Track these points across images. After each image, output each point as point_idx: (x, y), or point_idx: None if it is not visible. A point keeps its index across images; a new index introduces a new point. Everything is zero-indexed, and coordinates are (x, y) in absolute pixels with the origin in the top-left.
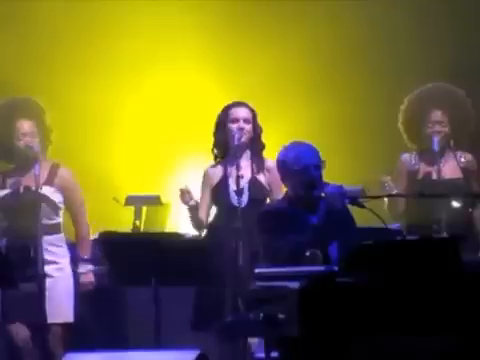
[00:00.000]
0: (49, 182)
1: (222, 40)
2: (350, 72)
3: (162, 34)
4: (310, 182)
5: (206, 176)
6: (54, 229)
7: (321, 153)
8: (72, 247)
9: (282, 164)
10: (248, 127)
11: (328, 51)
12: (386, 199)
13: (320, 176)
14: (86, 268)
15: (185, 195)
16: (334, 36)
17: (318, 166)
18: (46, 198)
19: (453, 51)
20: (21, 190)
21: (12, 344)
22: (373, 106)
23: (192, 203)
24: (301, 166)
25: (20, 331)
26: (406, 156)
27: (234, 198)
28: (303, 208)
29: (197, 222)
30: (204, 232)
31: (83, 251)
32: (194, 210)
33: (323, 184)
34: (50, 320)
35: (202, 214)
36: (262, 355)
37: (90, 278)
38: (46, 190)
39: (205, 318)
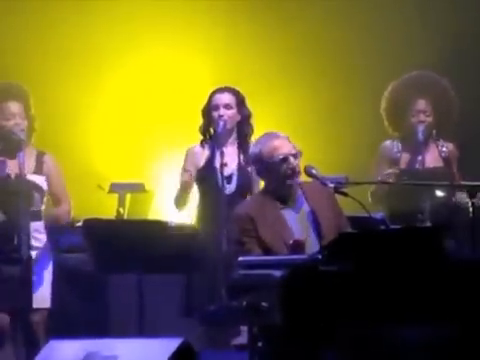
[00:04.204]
0: (38, 171)
1: (209, 24)
2: (339, 59)
3: (146, 16)
4: (291, 171)
5: (191, 154)
6: (39, 216)
7: (309, 140)
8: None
9: (258, 157)
10: (230, 113)
11: (317, 44)
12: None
13: (298, 166)
14: None
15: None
16: (321, 25)
17: (295, 155)
18: (38, 187)
19: (438, 41)
20: (12, 177)
21: None
22: (362, 94)
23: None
24: (280, 156)
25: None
26: (388, 143)
27: (224, 185)
28: (281, 201)
29: (184, 200)
30: (187, 215)
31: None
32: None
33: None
34: (36, 305)
35: (185, 192)
36: (241, 342)
37: None
38: (37, 179)
39: (192, 305)
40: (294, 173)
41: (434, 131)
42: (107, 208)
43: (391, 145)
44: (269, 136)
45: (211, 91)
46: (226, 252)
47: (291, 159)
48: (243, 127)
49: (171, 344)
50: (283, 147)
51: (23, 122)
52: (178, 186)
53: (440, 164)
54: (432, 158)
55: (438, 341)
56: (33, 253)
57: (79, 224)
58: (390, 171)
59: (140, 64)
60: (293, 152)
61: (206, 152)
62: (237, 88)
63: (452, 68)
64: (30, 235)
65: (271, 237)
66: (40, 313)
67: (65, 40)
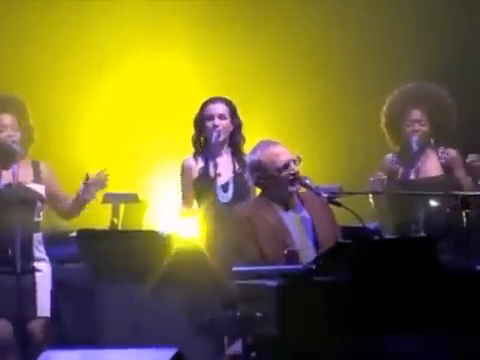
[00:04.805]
0: (37, 180)
1: (201, 33)
2: (332, 67)
3: (137, 26)
4: (293, 177)
5: (185, 168)
6: (39, 227)
7: (302, 144)
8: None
9: (258, 165)
10: (224, 123)
11: (309, 44)
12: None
13: (299, 171)
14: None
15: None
16: (314, 30)
17: (295, 161)
18: (39, 195)
19: (434, 41)
20: (13, 186)
21: None
22: (357, 103)
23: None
24: (281, 163)
25: (2, 327)
26: (388, 156)
27: (220, 194)
28: (282, 206)
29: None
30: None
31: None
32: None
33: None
34: (38, 314)
35: (189, 205)
36: (235, 351)
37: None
38: (37, 188)
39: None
40: (295, 179)
41: (432, 140)
42: (101, 218)
43: (391, 158)
44: (266, 144)
45: (203, 101)
46: (221, 262)
47: (292, 165)
48: (235, 137)
49: (165, 354)
50: (283, 153)
51: (15, 134)
52: (181, 201)
53: (439, 172)
54: (433, 167)
55: (434, 350)
56: (38, 263)
57: (73, 234)
58: (372, 179)
59: (135, 78)
60: (293, 158)
61: (199, 164)
62: (229, 98)
63: (447, 69)
64: (32, 246)
65: (271, 242)
66: (39, 322)
67: (62, 41)
